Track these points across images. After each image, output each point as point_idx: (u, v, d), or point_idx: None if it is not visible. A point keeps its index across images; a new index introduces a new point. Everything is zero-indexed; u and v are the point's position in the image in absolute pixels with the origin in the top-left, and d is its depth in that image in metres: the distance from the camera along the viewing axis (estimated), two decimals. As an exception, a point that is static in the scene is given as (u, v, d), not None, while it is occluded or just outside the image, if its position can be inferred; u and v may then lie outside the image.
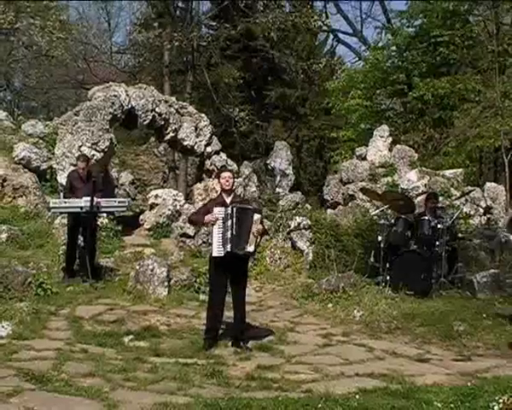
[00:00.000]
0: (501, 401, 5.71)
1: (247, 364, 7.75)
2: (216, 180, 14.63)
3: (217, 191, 13.76)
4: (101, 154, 14.85)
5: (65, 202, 11.27)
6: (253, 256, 9.95)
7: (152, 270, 10.96)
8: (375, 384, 6.90)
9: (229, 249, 8.36)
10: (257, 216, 8.62)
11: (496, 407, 5.68)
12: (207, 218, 8.52)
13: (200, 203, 13.78)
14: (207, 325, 8.64)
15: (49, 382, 6.52)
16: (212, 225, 8.48)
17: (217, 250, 8.43)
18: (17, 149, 15.36)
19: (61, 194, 12.88)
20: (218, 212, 8.47)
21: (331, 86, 28.95)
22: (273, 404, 5.98)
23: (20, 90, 33.21)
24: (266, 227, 9.52)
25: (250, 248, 8.56)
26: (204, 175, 17.16)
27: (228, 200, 8.69)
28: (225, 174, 8.92)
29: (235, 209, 8.45)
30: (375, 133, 18.22)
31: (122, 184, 20.14)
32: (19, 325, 8.49)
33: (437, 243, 11.56)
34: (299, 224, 13.76)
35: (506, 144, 20.63)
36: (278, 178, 21.44)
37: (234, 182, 9.09)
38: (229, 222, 8.38)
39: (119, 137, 17.14)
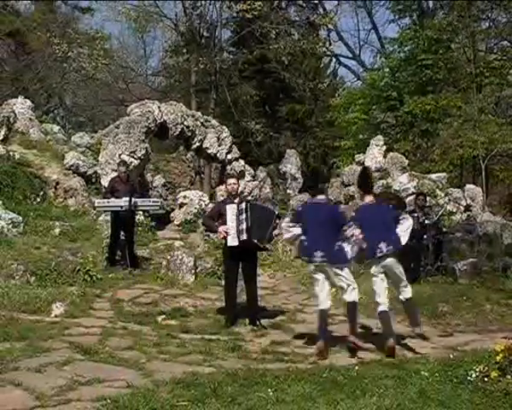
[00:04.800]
0: (477, 369, 5.75)
1: (263, 340, 7.76)
2: (223, 186, 14.56)
3: (222, 195, 13.69)
4: (138, 161, 14.93)
5: (108, 202, 11.34)
6: (266, 250, 9.77)
7: (181, 260, 11.01)
8: (372, 357, 6.91)
9: (245, 238, 8.15)
10: (277, 221, 8.54)
11: (473, 375, 5.71)
12: (221, 229, 8.31)
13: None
14: (225, 306, 8.66)
15: (95, 354, 6.57)
16: (226, 234, 8.25)
17: (231, 240, 8.25)
18: (68, 157, 15.45)
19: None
20: (231, 209, 8.26)
21: (334, 102, 28.94)
22: (284, 374, 5.98)
23: (70, 108, 33.43)
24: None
25: (268, 245, 8.59)
26: (225, 178, 17.13)
27: (236, 201, 8.47)
28: (230, 181, 8.70)
29: (249, 205, 8.33)
30: (371, 143, 18.16)
31: (155, 187, 20.14)
32: (70, 306, 8.57)
33: (424, 236, 11.50)
34: (306, 220, 13.70)
35: (482, 153, 20.52)
36: (289, 180, 21.34)
37: (239, 187, 8.81)
38: (244, 216, 8.17)
39: (153, 146, 17.16)
